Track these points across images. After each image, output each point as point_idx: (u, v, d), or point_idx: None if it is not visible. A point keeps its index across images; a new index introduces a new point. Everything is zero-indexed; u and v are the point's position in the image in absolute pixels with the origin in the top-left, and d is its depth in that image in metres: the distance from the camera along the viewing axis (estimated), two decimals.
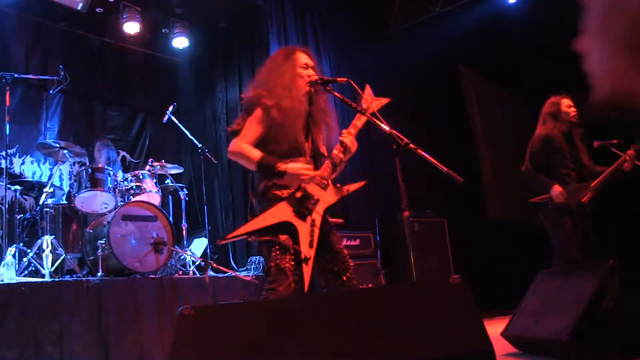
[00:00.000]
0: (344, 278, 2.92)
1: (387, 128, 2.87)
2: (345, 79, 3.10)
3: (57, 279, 4.61)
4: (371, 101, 3.15)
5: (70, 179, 5.61)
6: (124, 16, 7.06)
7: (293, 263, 2.71)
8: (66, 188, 5.62)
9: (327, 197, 2.94)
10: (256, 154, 2.84)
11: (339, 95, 3.05)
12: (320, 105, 3.13)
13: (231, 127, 2.98)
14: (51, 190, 5.26)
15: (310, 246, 2.76)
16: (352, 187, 3.04)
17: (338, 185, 3.02)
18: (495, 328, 4.80)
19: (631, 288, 3.10)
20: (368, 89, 3.12)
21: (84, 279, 4.44)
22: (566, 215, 4.65)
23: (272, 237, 2.74)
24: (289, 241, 2.73)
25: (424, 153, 2.84)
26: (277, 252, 2.74)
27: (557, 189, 4.65)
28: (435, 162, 2.92)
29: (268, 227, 2.75)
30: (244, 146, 2.88)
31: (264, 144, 2.91)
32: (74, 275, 4.91)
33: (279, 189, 2.85)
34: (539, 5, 7.81)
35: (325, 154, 3.11)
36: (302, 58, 3.11)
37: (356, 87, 3.03)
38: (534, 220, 5.17)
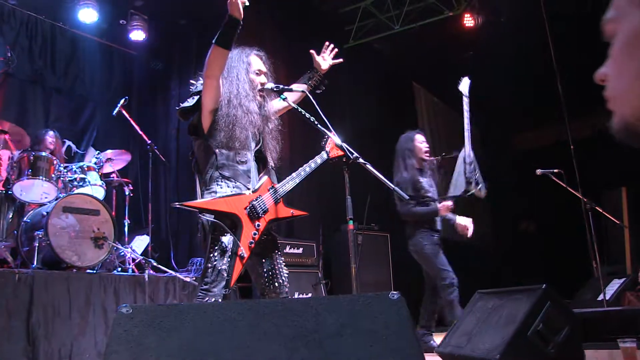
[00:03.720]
0: (276, 284, 3.04)
1: (338, 141, 2.91)
2: (301, 90, 3.14)
3: None
4: (332, 147, 3.34)
5: (9, 164, 5.41)
6: (81, 3, 6.91)
7: (229, 265, 2.78)
8: (4, 174, 5.43)
9: (276, 211, 3.06)
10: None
11: (293, 105, 3.09)
12: (269, 111, 3.21)
13: (181, 107, 3.03)
14: None
15: (249, 246, 2.85)
16: (297, 212, 3.19)
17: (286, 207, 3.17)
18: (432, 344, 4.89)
19: (560, 310, 3.21)
20: (334, 136, 3.13)
21: (16, 269, 4.30)
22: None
23: (218, 221, 2.81)
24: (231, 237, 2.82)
25: (371, 168, 2.90)
26: (215, 254, 2.79)
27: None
28: (382, 177, 2.98)
29: (219, 211, 2.82)
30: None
31: (212, 134, 2.97)
32: (6, 265, 4.75)
33: (223, 180, 2.91)
34: (496, 32, 8.06)
35: (270, 161, 3.20)
36: (256, 63, 3.19)
37: (311, 97, 3.06)
38: (475, 240, 5.32)
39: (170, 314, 1.47)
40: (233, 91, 3.00)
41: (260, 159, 3.17)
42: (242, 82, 3.05)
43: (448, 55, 8.80)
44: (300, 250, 6.66)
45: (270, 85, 3.15)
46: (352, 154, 2.86)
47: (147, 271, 5.06)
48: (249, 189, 2.97)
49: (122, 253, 5.49)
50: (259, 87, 3.14)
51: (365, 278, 6.69)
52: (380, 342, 1.48)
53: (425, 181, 5.23)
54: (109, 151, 6.07)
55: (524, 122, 10.19)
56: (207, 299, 2.73)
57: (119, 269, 5.35)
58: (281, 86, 3.13)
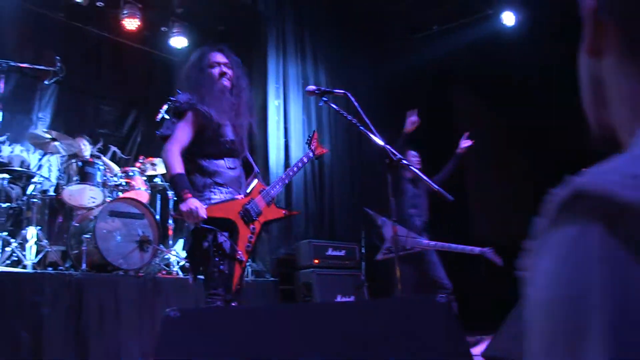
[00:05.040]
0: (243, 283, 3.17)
1: (381, 143, 2.90)
2: (342, 92, 3.14)
3: (39, 271, 4.59)
4: (316, 146, 3.50)
5: (59, 170, 5.57)
6: (125, 12, 7.05)
7: (229, 269, 2.82)
8: (54, 179, 5.58)
9: (268, 213, 3.10)
10: (177, 167, 2.83)
11: (335, 107, 3.09)
12: (241, 98, 3.21)
13: (161, 133, 3.02)
14: (39, 180, 5.23)
15: (247, 250, 2.91)
16: (289, 212, 3.42)
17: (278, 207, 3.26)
18: (476, 349, 4.81)
19: None
20: (315, 135, 3.39)
21: (66, 272, 4.42)
22: None
23: (215, 229, 2.82)
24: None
25: (415, 169, 2.88)
26: (216, 259, 2.81)
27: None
28: (427, 178, 2.96)
29: (214, 218, 2.81)
30: (172, 154, 2.87)
31: (201, 147, 2.98)
32: (57, 268, 4.88)
33: (216, 187, 2.93)
34: (537, 29, 7.90)
35: (246, 150, 3.26)
36: (213, 57, 3.17)
37: (352, 99, 3.06)
38: (519, 242, 5.22)
39: (218, 317, 1.48)
40: (205, 101, 3.00)
41: (247, 164, 3.23)
42: (207, 88, 3.05)
43: (488, 54, 8.66)
44: (342, 253, 6.65)
45: (311, 87, 3.16)
46: (395, 155, 2.85)
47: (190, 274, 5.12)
48: (240, 194, 3.01)
49: (167, 256, 5.58)
50: (222, 79, 3.12)
51: (408, 280, 6.63)
52: (428, 345, 1.47)
53: None
54: (153, 159, 6.17)
55: (565, 121, 9.97)
56: (217, 302, 2.76)
57: (164, 272, 5.44)
58: (322, 88, 3.13)
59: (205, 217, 2.72)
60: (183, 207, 2.69)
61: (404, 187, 5.17)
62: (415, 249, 4.96)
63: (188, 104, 2.97)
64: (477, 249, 5.01)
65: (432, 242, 5.04)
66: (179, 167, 2.81)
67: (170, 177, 2.83)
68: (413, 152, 5.47)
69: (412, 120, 4.90)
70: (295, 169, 3.33)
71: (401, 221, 5.00)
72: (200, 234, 2.85)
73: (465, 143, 5.43)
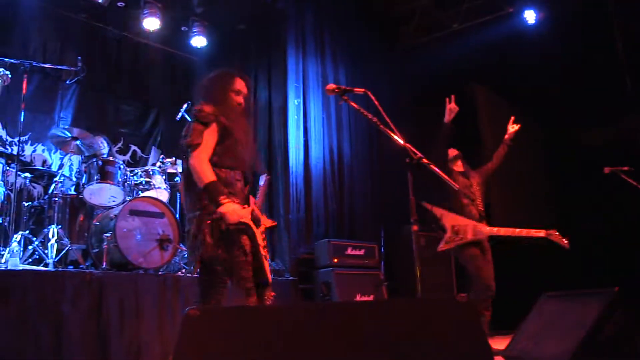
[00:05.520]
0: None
1: (401, 141, 2.88)
2: (362, 90, 3.12)
3: (60, 269, 4.64)
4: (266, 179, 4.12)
5: (80, 169, 5.62)
6: (145, 12, 7.10)
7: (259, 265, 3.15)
8: (75, 179, 5.64)
9: (265, 222, 3.46)
10: (210, 175, 3.03)
11: (355, 105, 3.07)
12: (251, 123, 3.68)
13: (191, 141, 3.09)
14: (61, 179, 5.28)
15: (264, 249, 3.23)
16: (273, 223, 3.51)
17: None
18: (496, 347, 4.75)
19: (634, 317, 3.08)
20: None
21: (87, 270, 4.46)
22: None
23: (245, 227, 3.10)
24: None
25: (436, 168, 2.85)
26: (242, 257, 3.06)
27: None
28: (447, 178, 2.93)
29: (236, 223, 3.05)
30: (204, 162, 3.06)
31: (220, 158, 3.15)
32: (78, 267, 4.92)
33: (230, 198, 3.06)
34: (559, 28, 7.82)
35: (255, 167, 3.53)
36: (238, 83, 3.39)
37: (373, 98, 3.04)
38: (539, 241, 5.16)
39: (239, 316, 1.48)
40: (227, 115, 3.21)
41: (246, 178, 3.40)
42: (230, 109, 3.27)
43: (509, 52, 8.58)
44: (361, 252, 6.63)
45: (331, 86, 3.16)
46: (416, 154, 2.83)
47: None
48: (244, 205, 3.20)
49: (187, 255, 5.60)
50: (237, 104, 3.36)
51: (428, 280, 6.60)
52: (450, 346, 1.45)
53: None
54: (173, 159, 6.19)
55: (589, 118, 9.85)
56: (253, 298, 3.02)
57: (184, 270, 5.46)
58: (342, 87, 3.12)
59: (242, 218, 3.02)
60: (223, 209, 2.94)
61: (455, 179, 5.12)
62: (478, 237, 4.92)
63: (214, 115, 3.14)
64: (542, 232, 4.97)
65: (497, 229, 5.00)
66: (211, 175, 3.02)
67: (204, 185, 2.99)
68: (453, 150, 5.40)
69: (451, 107, 4.85)
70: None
71: (457, 212, 5.01)
72: (232, 234, 3.05)
73: (512, 128, 5.34)
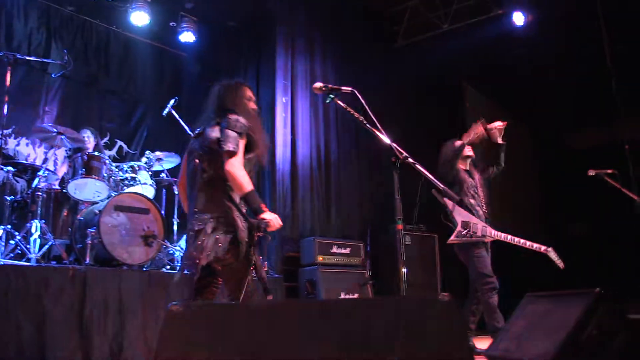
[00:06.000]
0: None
1: (387, 141, 2.88)
2: (349, 89, 3.12)
3: (43, 264, 4.60)
4: None
5: (64, 164, 5.56)
6: (133, 6, 7.06)
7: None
8: (60, 173, 5.58)
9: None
10: (249, 184, 3.08)
11: (342, 104, 3.07)
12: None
13: (229, 148, 3.09)
14: (45, 174, 5.22)
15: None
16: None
17: None
18: (480, 347, 4.79)
19: (616, 317, 3.10)
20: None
21: (70, 266, 4.42)
22: None
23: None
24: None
25: (421, 168, 2.86)
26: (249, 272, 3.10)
27: None
28: (432, 177, 2.94)
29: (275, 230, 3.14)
30: (242, 171, 3.10)
31: (245, 166, 3.18)
32: (61, 262, 4.88)
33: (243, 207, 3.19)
34: (546, 30, 7.87)
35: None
36: (248, 91, 3.52)
37: (360, 97, 3.04)
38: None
39: (221, 313, 1.47)
40: (253, 129, 3.25)
41: None
42: (253, 121, 3.30)
43: (498, 54, 8.63)
44: (347, 250, 6.64)
45: (319, 84, 3.15)
46: (402, 153, 2.83)
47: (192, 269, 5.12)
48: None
49: (171, 251, 5.58)
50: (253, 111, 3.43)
51: (413, 279, 6.62)
52: (431, 345, 1.45)
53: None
54: (158, 152, 6.16)
55: (575, 121, 9.94)
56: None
57: (168, 267, 5.44)
58: (330, 86, 3.12)
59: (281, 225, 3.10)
60: (267, 216, 3.03)
61: (461, 178, 5.14)
62: (486, 237, 4.96)
63: (247, 127, 3.16)
64: (542, 247, 5.04)
65: (503, 234, 5.04)
66: (250, 184, 3.08)
67: (245, 194, 3.06)
68: (469, 148, 5.41)
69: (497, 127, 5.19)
70: None
71: (467, 210, 5.04)
72: (257, 239, 3.13)
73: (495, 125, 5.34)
